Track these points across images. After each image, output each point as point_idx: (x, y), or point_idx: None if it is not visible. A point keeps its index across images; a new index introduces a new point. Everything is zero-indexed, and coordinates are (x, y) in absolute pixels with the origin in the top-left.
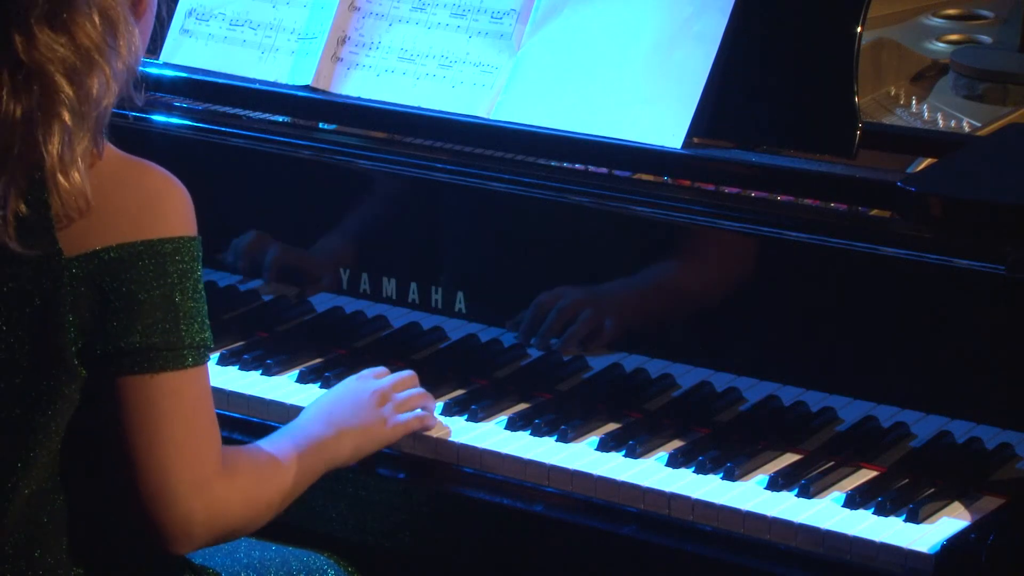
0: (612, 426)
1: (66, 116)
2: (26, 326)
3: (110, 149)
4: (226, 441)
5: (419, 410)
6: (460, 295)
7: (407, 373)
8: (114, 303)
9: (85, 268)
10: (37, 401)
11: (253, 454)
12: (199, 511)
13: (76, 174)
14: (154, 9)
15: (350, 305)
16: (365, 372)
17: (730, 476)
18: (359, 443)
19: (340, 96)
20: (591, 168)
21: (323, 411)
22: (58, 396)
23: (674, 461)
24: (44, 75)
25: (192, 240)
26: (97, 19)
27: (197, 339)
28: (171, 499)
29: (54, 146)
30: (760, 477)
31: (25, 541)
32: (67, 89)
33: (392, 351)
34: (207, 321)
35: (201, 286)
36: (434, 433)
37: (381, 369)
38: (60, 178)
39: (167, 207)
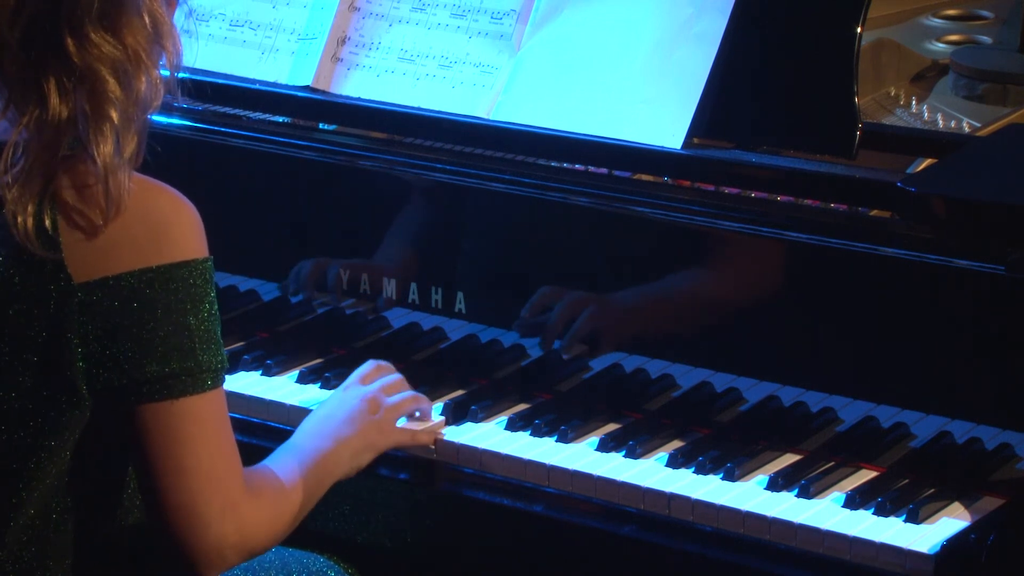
0: (612, 426)
1: (115, 116)
2: (32, 350)
3: None
4: None
5: (416, 412)
6: (460, 295)
7: (395, 376)
8: (126, 331)
9: (93, 295)
10: (42, 424)
11: (267, 475)
12: (231, 534)
13: (123, 177)
14: (174, 10)
15: (350, 305)
16: (352, 378)
17: (730, 476)
18: (357, 453)
19: (340, 96)
20: (591, 168)
21: (318, 426)
22: (65, 422)
23: (674, 461)
24: (94, 76)
25: (204, 261)
26: (146, 18)
27: (214, 361)
28: (203, 524)
29: (107, 147)
30: (760, 477)
31: (27, 562)
32: (115, 89)
33: (392, 351)
34: (221, 342)
35: (215, 308)
36: (432, 434)
37: (368, 367)
38: (110, 181)
39: (177, 230)
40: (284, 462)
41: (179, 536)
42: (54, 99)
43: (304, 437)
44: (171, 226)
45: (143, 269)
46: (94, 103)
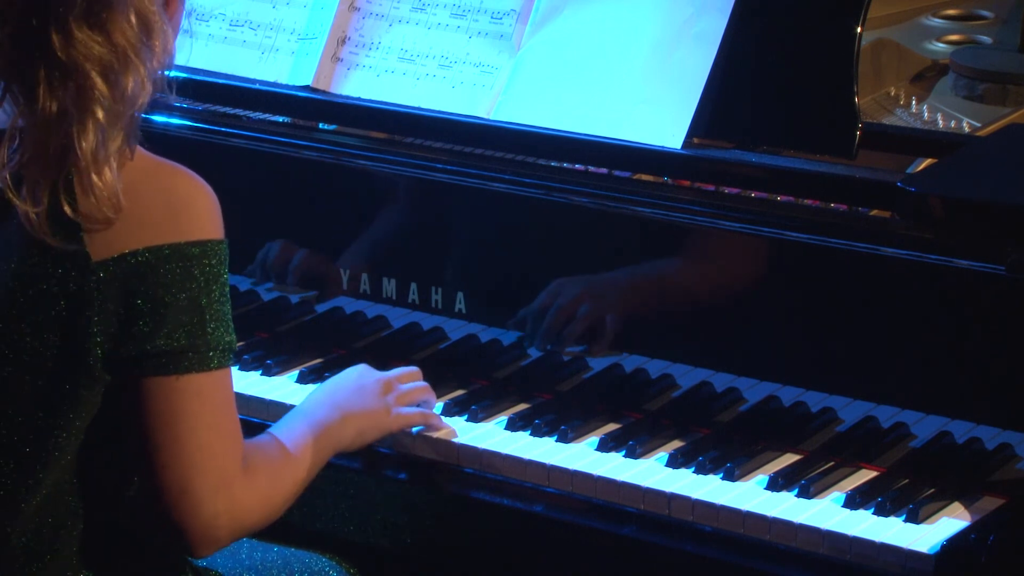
0: (612, 426)
1: (100, 114)
2: (51, 329)
3: (138, 151)
4: None
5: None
6: (460, 295)
7: (412, 368)
8: (141, 306)
9: (112, 272)
10: (59, 403)
11: (268, 450)
12: (223, 513)
13: (108, 172)
14: (183, 9)
15: (350, 305)
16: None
17: (730, 476)
18: (362, 428)
19: (340, 96)
20: (591, 168)
21: (328, 395)
22: (80, 399)
23: (674, 461)
24: (80, 73)
25: (219, 243)
26: (134, 19)
27: (222, 341)
28: (196, 501)
29: (88, 143)
30: (760, 477)
31: (36, 541)
32: (102, 87)
33: (392, 351)
34: (232, 324)
35: (227, 289)
36: (435, 433)
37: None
38: (94, 176)
39: (194, 210)
40: (289, 431)
41: (173, 512)
42: (44, 94)
43: (313, 405)
44: (189, 206)
45: (160, 245)
46: (80, 100)
